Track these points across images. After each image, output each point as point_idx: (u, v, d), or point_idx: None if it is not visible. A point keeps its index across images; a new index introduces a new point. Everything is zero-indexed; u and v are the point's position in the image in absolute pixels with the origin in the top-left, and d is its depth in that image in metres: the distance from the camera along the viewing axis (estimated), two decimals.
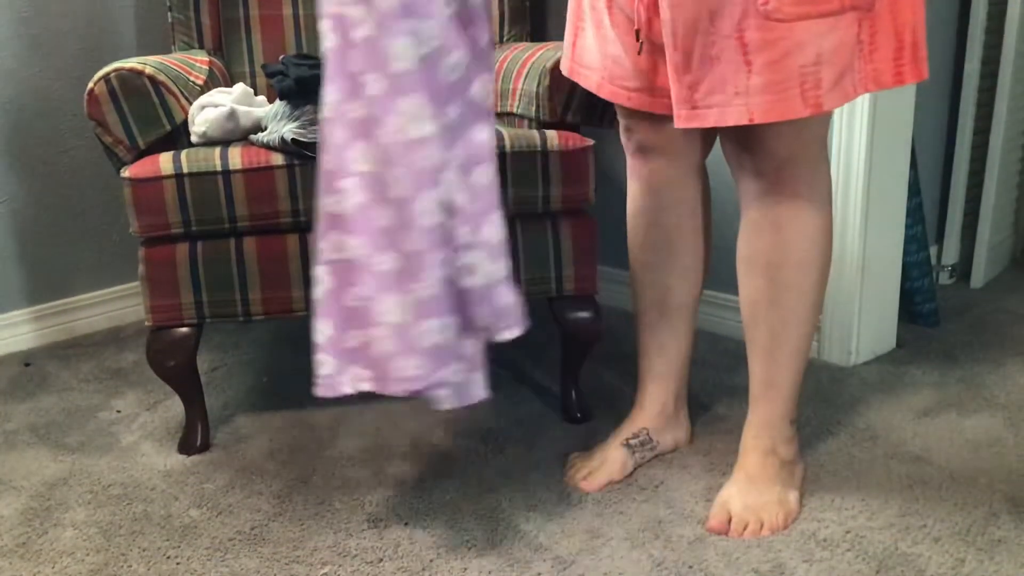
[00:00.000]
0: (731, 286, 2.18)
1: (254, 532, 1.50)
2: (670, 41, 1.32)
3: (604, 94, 1.50)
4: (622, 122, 1.57)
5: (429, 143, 1.23)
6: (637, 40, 1.40)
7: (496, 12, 2.17)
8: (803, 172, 1.40)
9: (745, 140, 1.39)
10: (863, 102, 1.90)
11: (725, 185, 2.12)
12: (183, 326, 1.70)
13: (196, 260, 1.66)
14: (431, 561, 1.42)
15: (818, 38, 1.25)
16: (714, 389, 1.94)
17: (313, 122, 1.66)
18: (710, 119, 1.32)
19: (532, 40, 2.21)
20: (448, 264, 1.29)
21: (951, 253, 2.50)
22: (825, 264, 1.47)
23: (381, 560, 1.42)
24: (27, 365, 2.17)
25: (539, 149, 1.68)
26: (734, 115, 1.30)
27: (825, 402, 1.87)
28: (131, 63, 1.68)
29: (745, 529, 1.45)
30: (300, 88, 1.71)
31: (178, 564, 1.43)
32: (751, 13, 1.25)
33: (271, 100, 1.87)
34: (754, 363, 1.52)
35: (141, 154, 1.69)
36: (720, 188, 2.12)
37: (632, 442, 1.63)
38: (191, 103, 1.76)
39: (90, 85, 1.66)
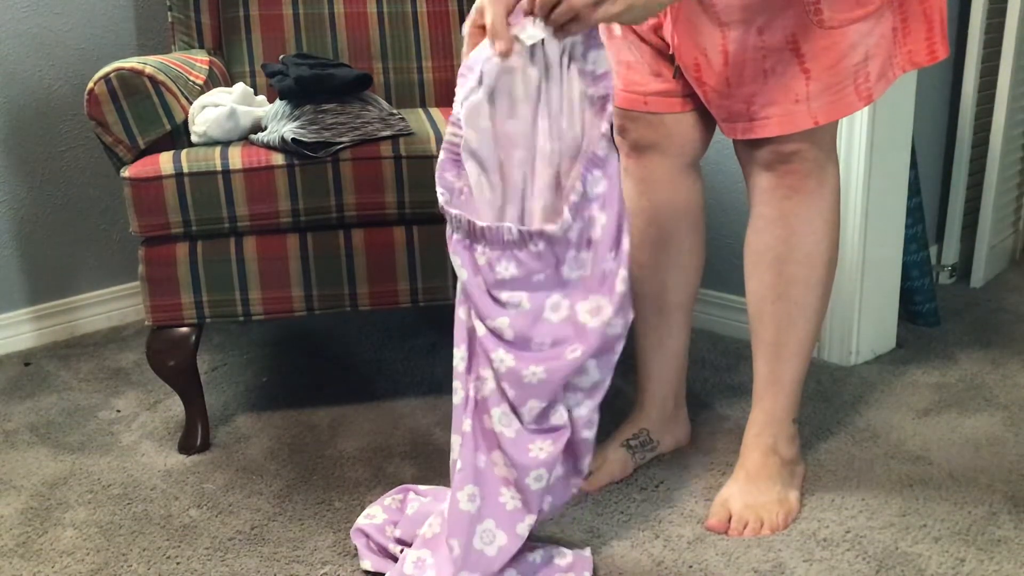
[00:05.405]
0: (731, 286, 2.18)
1: (254, 532, 1.50)
2: (719, 60, 1.36)
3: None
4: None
5: None
6: (672, 64, 1.45)
7: None
8: (812, 167, 1.41)
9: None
10: None
11: (725, 186, 2.13)
12: (183, 326, 1.70)
13: (196, 260, 1.67)
14: None
15: (865, 36, 1.32)
16: (714, 389, 1.93)
17: (313, 122, 1.66)
18: (773, 129, 1.37)
19: None
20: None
21: (951, 253, 2.49)
22: (832, 259, 1.48)
23: None
24: (27, 365, 2.16)
25: None
26: (800, 121, 1.36)
27: (825, 402, 1.87)
28: (131, 63, 1.68)
29: (745, 528, 1.45)
30: (300, 88, 1.71)
31: (178, 564, 1.43)
32: (804, 24, 1.30)
33: (271, 100, 1.87)
34: (759, 359, 1.52)
35: (141, 154, 1.69)
36: (720, 189, 2.12)
37: (632, 443, 1.63)
38: (191, 103, 1.76)
39: (90, 85, 1.66)
